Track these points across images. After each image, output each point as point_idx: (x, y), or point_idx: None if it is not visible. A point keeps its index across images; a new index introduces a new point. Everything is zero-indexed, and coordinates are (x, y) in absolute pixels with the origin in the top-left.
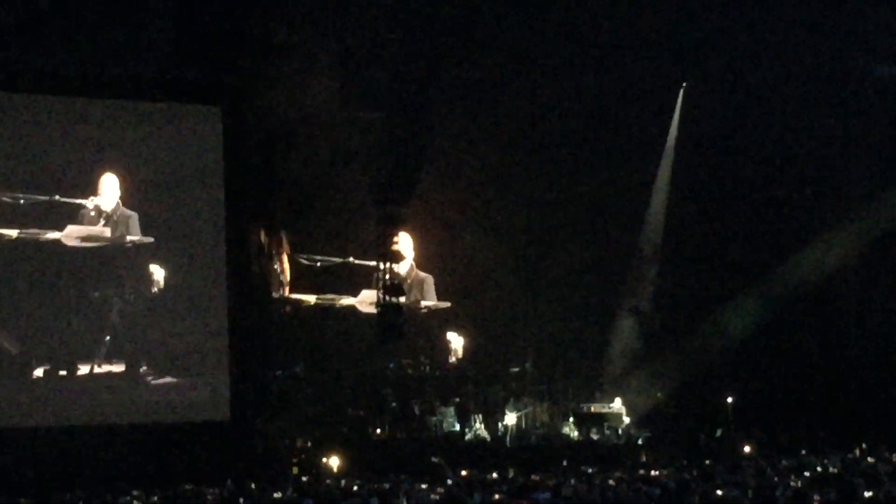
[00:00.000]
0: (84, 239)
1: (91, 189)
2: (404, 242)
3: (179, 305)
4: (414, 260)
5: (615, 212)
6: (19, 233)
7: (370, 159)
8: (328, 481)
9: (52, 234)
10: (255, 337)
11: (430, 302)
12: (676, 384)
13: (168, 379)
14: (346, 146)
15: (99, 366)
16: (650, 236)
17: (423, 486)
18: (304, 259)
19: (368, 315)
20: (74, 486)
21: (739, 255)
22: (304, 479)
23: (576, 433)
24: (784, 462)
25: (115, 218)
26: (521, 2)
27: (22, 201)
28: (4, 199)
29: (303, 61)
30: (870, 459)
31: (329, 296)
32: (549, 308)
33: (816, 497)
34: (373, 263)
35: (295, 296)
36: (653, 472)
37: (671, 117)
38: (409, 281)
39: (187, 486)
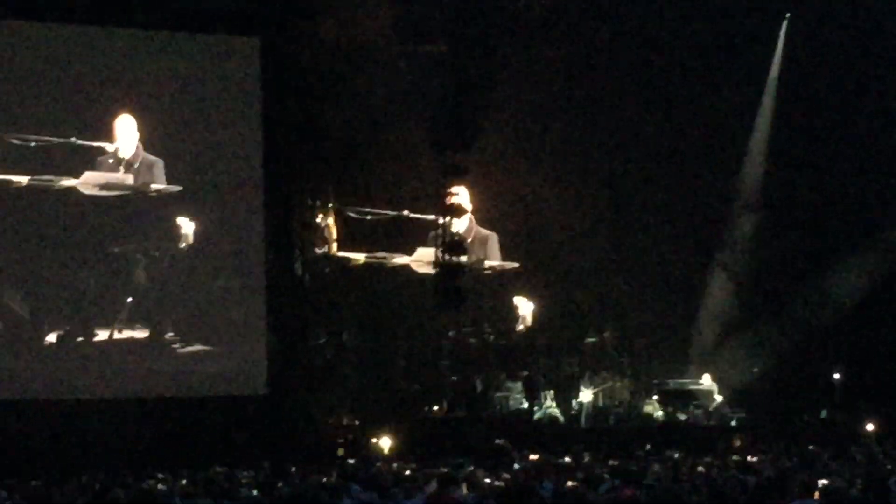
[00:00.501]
0: (103, 187)
1: (109, 132)
2: (463, 195)
3: (211, 264)
4: (473, 215)
5: (708, 158)
6: (30, 179)
7: (428, 100)
8: (377, 464)
9: (68, 182)
10: (296, 300)
11: (494, 262)
12: (775, 358)
13: (197, 347)
14: (400, 85)
15: (119, 331)
16: (748, 186)
17: (486, 471)
18: (353, 212)
19: (424, 276)
20: (91, 466)
21: (849, 208)
22: (350, 461)
23: (660, 412)
24: None
25: (136, 164)
26: None
27: (33, 143)
28: (13, 140)
29: None
30: None
31: (380, 254)
32: (631, 269)
33: None
34: (430, 218)
35: (342, 253)
36: (747, 458)
37: (773, 52)
38: (469, 239)
39: (218, 468)
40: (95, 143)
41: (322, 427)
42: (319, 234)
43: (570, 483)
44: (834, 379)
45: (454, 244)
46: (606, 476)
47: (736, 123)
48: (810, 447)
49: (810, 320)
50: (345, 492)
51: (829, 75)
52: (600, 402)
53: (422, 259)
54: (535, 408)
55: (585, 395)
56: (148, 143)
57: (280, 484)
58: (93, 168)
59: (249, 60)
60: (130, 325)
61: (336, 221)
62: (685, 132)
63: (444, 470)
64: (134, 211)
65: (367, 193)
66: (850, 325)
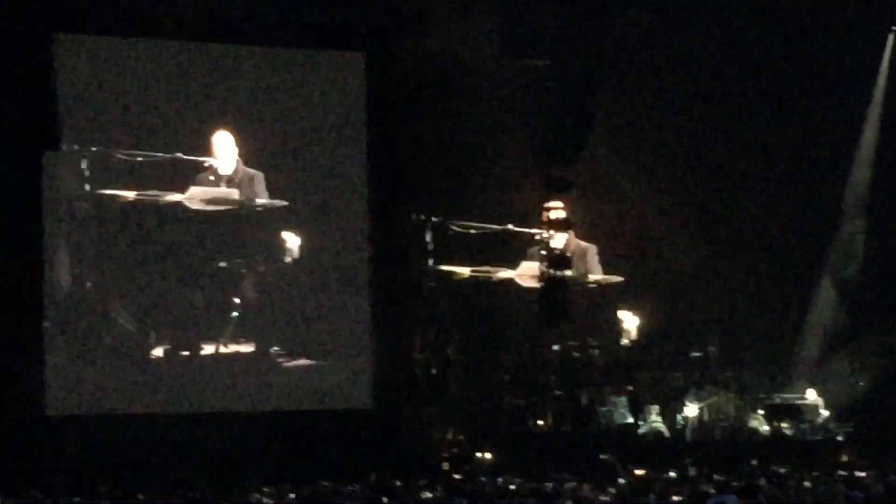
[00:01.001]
0: (209, 202)
1: (208, 148)
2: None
3: (316, 278)
4: (574, 228)
5: (814, 166)
6: (137, 195)
7: (532, 114)
8: (482, 479)
9: (174, 196)
10: (401, 314)
11: (598, 276)
12: (883, 371)
13: (303, 361)
14: (506, 99)
15: (225, 345)
16: (857, 191)
17: (591, 486)
18: (457, 226)
19: (528, 291)
20: (198, 481)
21: None
22: (455, 475)
23: (766, 427)
24: None
25: (238, 179)
26: None
27: (140, 159)
28: (120, 156)
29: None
30: None
31: (484, 268)
32: (737, 281)
33: None
34: (534, 231)
35: (447, 268)
36: (856, 473)
37: (880, 60)
38: (569, 252)
39: (325, 482)
40: (199, 159)
41: (427, 441)
42: (424, 248)
43: (675, 498)
44: None
45: (558, 258)
46: (712, 490)
47: (843, 130)
48: None
49: None
50: None
51: None
52: (706, 417)
53: (526, 273)
54: (641, 422)
55: (691, 410)
56: (251, 158)
57: (385, 499)
58: (195, 182)
59: (354, 75)
60: (236, 339)
61: (440, 236)
62: (791, 140)
63: (549, 485)
64: (239, 226)
65: (470, 207)
66: None
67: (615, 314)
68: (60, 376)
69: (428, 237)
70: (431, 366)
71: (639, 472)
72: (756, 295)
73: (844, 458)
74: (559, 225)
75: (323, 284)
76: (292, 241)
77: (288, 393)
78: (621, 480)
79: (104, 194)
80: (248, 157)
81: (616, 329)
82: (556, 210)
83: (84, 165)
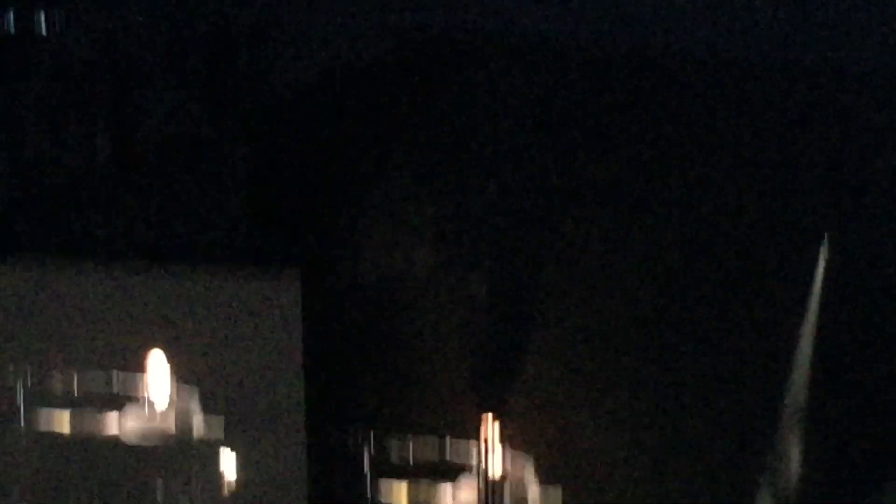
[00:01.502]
0: (146, 435)
1: (142, 368)
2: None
3: (253, 495)
4: (512, 447)
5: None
6: (72, 424)
7: (469, 336)
8: None
9: (111, 426)
10: None
11: (536, 491)
12: None
13: None
14: (443, 314)
15: None
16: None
17: None
18: (394, 444)
19: None
20: None
21: None
22: None
23: None
24: None
25: (175, 405)
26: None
27: (76, 392)
28: (56, 382)
29: (394, 219)
30: None
31: (424, 486)
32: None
33: None
34: (472, 449)
35: (385, 489)
36: None
37: None
38: (506, 472)
39: None
40: (134, 383)
41: None
42: (360, 468)
43: None
44: None
45: (496, 480)
46: None
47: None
48: None
49: None
50: None
51: None
52: None
53: (462, 496)
54: None
55: None
56: (184, 376)
57: None
58: (132, 410)
59: (290, 291)
60: None
61: (376, 452)
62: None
63: None
64: (177, 451)
65: (407, 424)
66: None
67: None
68: None
69: (366, 455)
70: None
71: None
72: None
73: None
74: (496, 442)
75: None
76: (229, 465)
77: None
78: None
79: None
80: (182, 375)
81: None
82: (493, 425)
83: (19, 391)
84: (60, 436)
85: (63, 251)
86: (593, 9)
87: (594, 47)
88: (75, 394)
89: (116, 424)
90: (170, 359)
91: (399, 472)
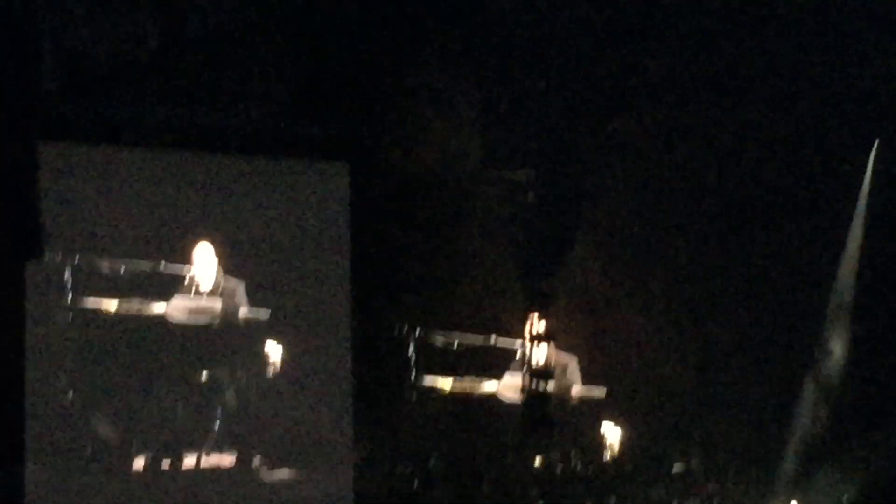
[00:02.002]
0: (192, 312)
1: (189, 258)
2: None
3: (298, 390)
4: (556, 339)
5: (797, 270)
6: (119, 304)
7: (515, 227)
8: None
9: (157, 308)
10: (383, 427)
11: (580, 387)
12: (868, 485)
13: (284, 474)
14: (489, 210)
15: (207, 455)
16: (841, 299)
17: None
18: (439, 339)
19: (511, 404)
20: None
21: None
22: None
23: None
24: None
25: (220, 290)
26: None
27: (122, 270)
28: (103, 268)
29: (442, 112)
30: None
31: (467, 381)
32: (720, 391)
33: None
34: (517, 343)
35: (429, 380)
36: None
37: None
38: (551, 365)
39: None
40: (181, 272)
41: None
42: (406, 361)
43: None
44: None
45: (541, 371)
46: None
47: (827, 237)
48: None
49: None
50: None
51: None
52: None
53: (509, 386)
54: None
55: None
56: (232, 267)
57: None
58: (178, 292)
59: (338, 185)
60: (218, 449)
61: (423, 347)
62: (773, 249)
63: None
64: (221, 336)
65: (454, 319)
66: None
67: (598, 426)
68: (40, 486)
69: (411, 349)
70: (413, 478)
71: None
72: (740, 407)
73: None
74: (541, 337)
75: (306, 396)
76: (274, 350)
77: None
78: None
79: (86, 308)
80: (229, 266)
81: (599, 442)
82: (539, 322)
83: (67, 276)
84: (108, 316)
85: (112, 139)
86: None
87: None
88: (122, 277)
89: (164, 304)
90: (217, 247)
91: (444, 367)
